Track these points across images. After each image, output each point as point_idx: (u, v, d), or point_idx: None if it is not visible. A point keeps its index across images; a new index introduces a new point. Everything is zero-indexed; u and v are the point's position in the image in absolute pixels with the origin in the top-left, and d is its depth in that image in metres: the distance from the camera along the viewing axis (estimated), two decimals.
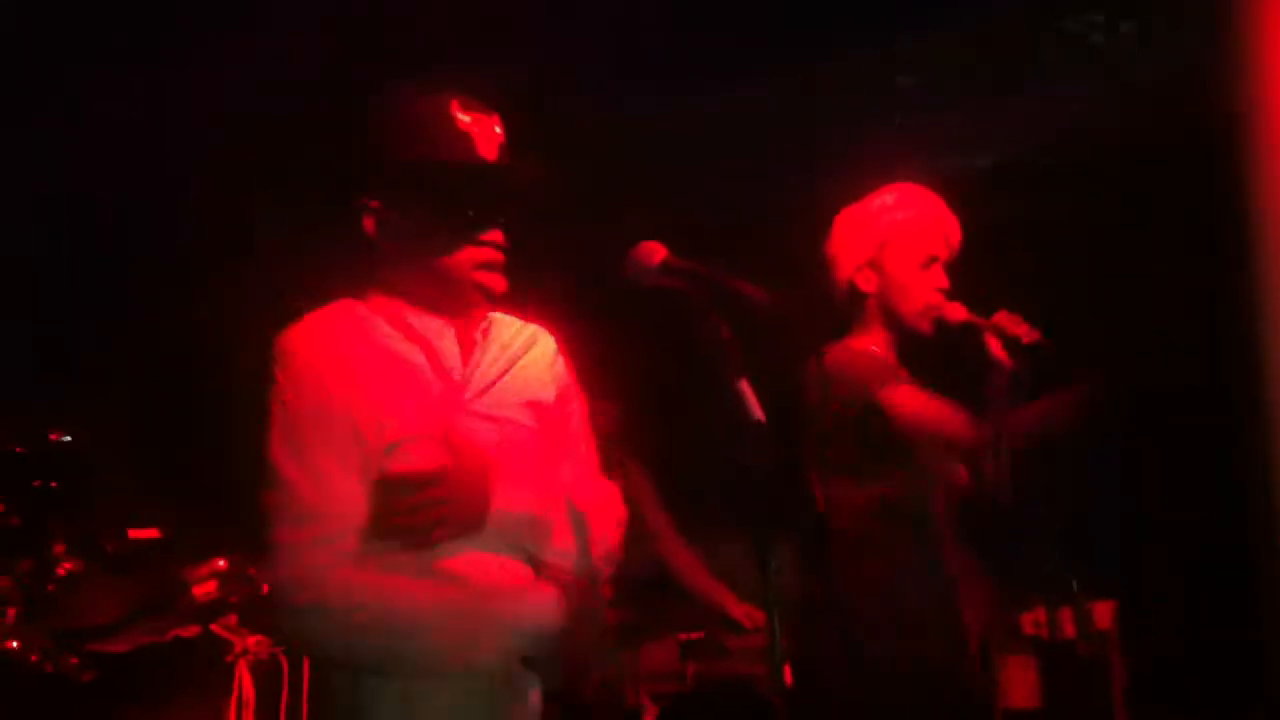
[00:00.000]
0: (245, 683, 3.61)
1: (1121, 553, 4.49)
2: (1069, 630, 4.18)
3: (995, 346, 3.03)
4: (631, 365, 4.24)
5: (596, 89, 4.68)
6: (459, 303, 2.29)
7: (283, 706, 3.59)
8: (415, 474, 2.13)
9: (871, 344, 3.08)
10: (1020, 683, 4.46)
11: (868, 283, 3.10)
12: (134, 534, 3.77)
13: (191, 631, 3.67)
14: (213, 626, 3.67)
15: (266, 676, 3.63)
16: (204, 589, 3.69)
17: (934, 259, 3.10)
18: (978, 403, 3.00)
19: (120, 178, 4.55)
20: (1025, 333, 3.01)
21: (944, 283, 3.09)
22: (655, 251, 2.26)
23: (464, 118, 2.20)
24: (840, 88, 4.91)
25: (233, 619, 3.70)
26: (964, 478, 3.12)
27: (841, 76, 4.88)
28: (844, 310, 3.15)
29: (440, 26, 4.19)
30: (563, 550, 2.23)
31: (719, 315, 2.17)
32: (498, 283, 2.28)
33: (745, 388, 2.13)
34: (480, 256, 2.25)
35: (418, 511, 2.11)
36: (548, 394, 2.37)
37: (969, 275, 3.10)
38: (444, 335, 2.29)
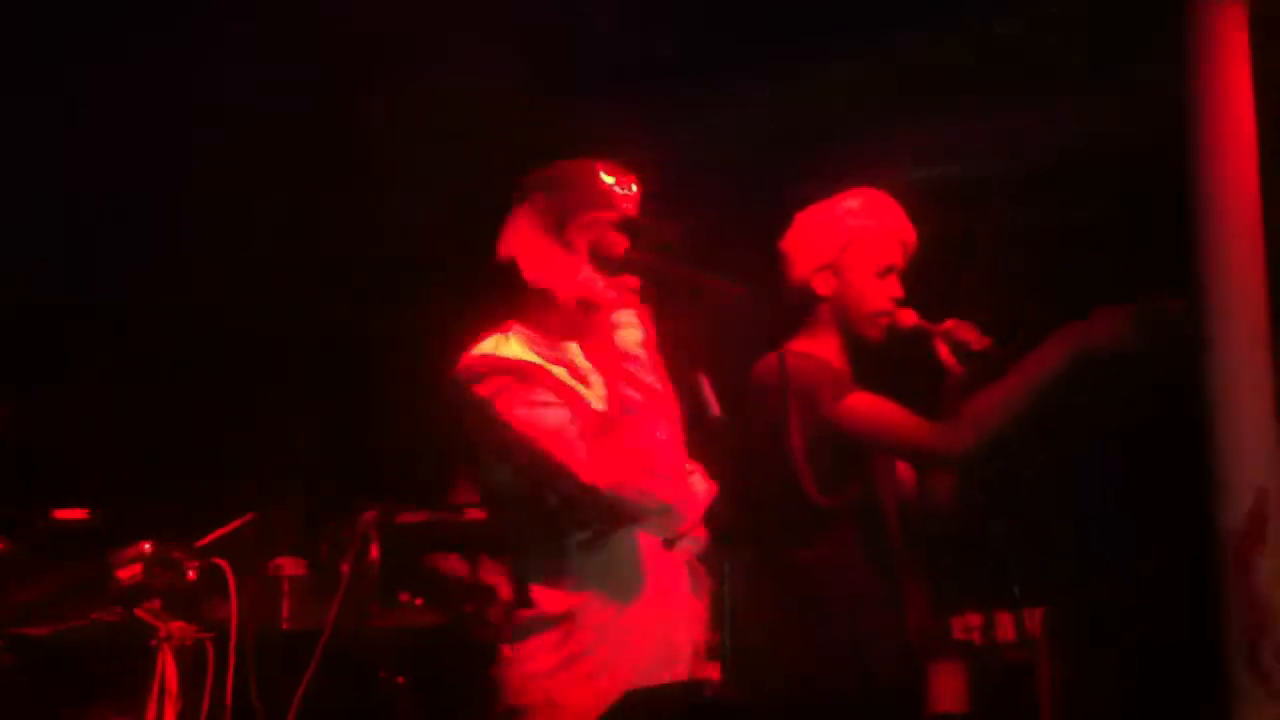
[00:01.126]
0: (169, 669, 3.53)
1: (1055, 559, 4.53)
2: (1004, 635, 4.21)
3: (945, 353, 3.04)
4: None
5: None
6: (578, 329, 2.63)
7: (207, 694, 3.52)
8: None
9: (824, 348, 3.07)
10: (948, 688, 4.48)
11: (825, 285, 3.09)
12: (59, 514, 3.69)
13: (114, 616, 3.59)
14: (136, 611, 3.58)
15: (191, 663, 3.55)
16: (128, 572, 3.61)
17: (892, 268, 3.11)
18: (930, 410, 3.01)
19: None
20: (975, 339, 3.04)
21: (899, 292, 3.10)
22: (617, 244, 2.24)
23: (608, 179, 2.56)
24: (805, 94, 4.92)
25: (157, 604, 3.62)
26: (911, 481, 3.13)
27: (807, 83, 4.89)
28: (795, 308, 3.13)
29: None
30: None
31: (680, 310, 2.15)
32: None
33: (704, 383, 2.11)
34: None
35: None
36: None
37: (924, 283, 3.11)
38: (578, 354, 2.64)
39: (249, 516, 3.79)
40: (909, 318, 3.04)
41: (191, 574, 3.74)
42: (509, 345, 2.56)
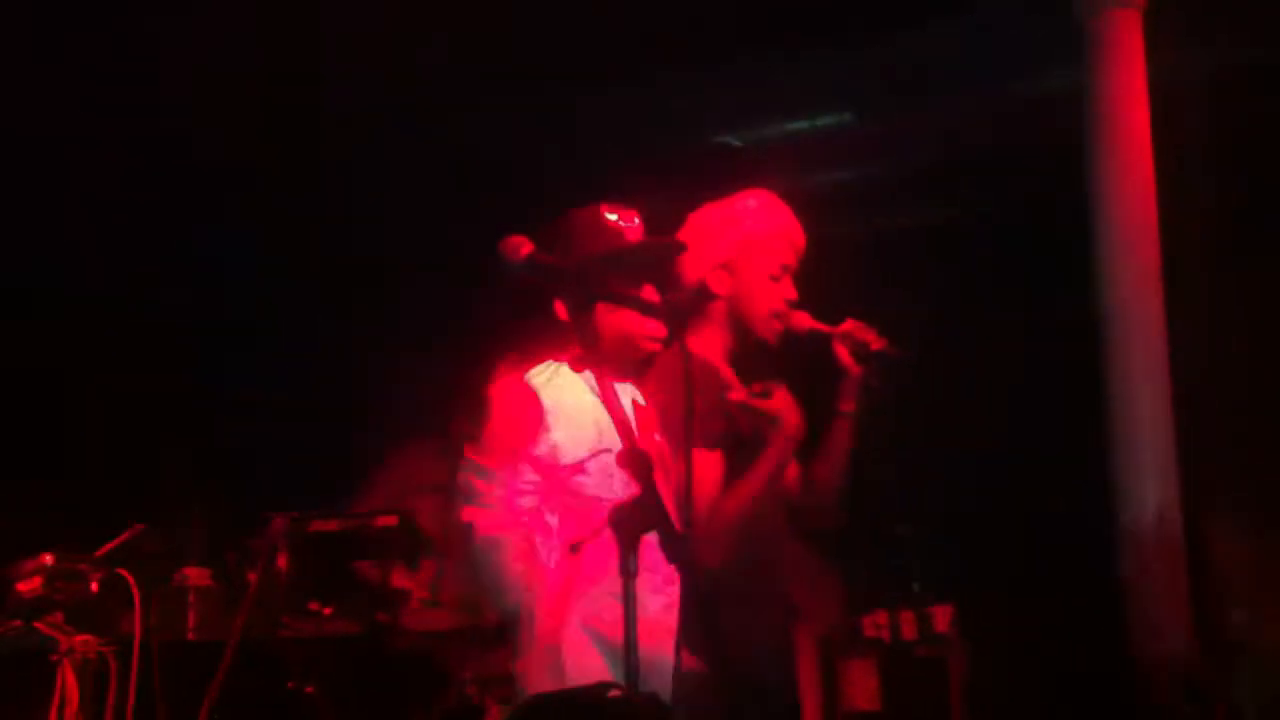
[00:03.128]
0: (69, 682, 3.46)
1: (960, 557, 4.59)
2: (909, 633, 4.26)
3: (844, 354, 3.06)
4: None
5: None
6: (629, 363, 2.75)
7: (110, 707, 3.46)
8: None
9: (711, 348, 3.07)
10: (861, 686, 4.53)
11: (720, 285, 3.07)
12: None
13: (14, 629, 3.51)
14: (37, 624, 3.51)
15: (94, 676, 3.48)
16: (29, 585, 3.55)
17: (786, 269, 3.11)
18: (824, 409, 3.04)
19: None
20: (873, 340, 3.05)
21: (793, 295, 3.10)
22: (521, 246, 2.24)
23: (610, 217, 2.70)
24: (709, 96, 4.95)
25: (59, 616, 3.55)
26: (795, 481, 3.14)
27: (711, 85, 4.92)
28: (685, 306, 3.11)
29: None
30: None
31: (584, 311, 2.16)
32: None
33: (608, 382, 2.11)
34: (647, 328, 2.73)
35: None
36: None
37: (822, 285, 3.12)
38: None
39: (138, 528, 3.74)
40: (803, 320, 3.06)
41: (94, 586, 3.67)
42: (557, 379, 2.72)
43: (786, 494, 3.09)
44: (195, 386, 5.45)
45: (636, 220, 2.71)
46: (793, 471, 3.14)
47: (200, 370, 5.47)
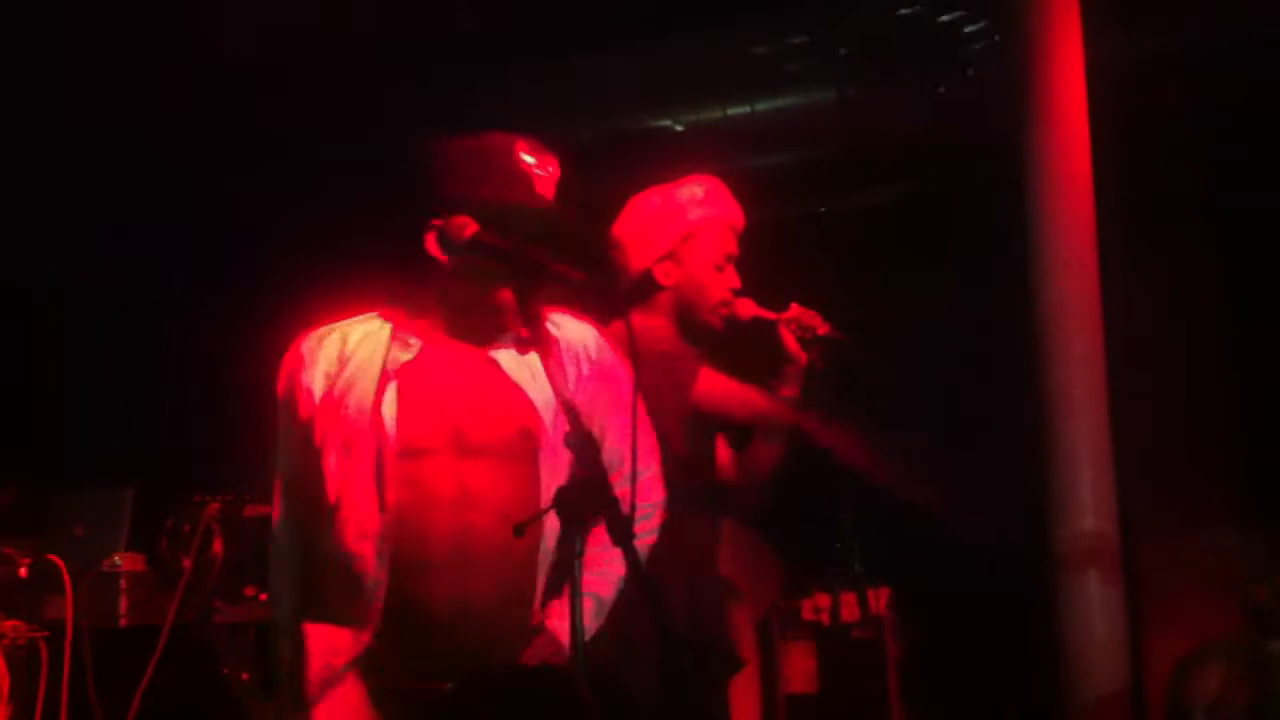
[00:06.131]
0: (0, 669, 3.40)
1: (896, 539, 4.63)
2: (850, 615, 4.28)
3: (789, 340, 3.06)
4: None
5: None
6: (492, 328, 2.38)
7: (41, 694, 3.40)
8: None
9: (660, 330, 3.06)
10: (800, 668, 4.56)
11: (666, 276, 3.06)
12: None
13: None
14: None
15: (23, 663, 3.42)
16: None
17: (730, 257, 3.10)
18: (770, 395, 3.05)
19: None
20: (818, 325, 3.06)
21: (737, 283, 3.10)
22: (465, 226, 2.21)
23: (528, 159, 2.36)
24: (642, 76, 4.93)
25: None
26: (729, 461, 3.15)
27: (647, 65, 4.90)
28: (630, 295, 3.10)
29: None
30: None
31: (528, 290, 2.14)
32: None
33: (555, 364, 2.09)
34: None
35: None
36: None
37: (764, 270, 3.13)
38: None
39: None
40: (748, 308, 3.06)
41: (23, 571, 3.62)
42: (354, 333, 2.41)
43: (716, 473, 3.09)
44: None
45: (552, 169, 2.40)
46: (725, 454, 3.15)
47: None
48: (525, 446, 2.32)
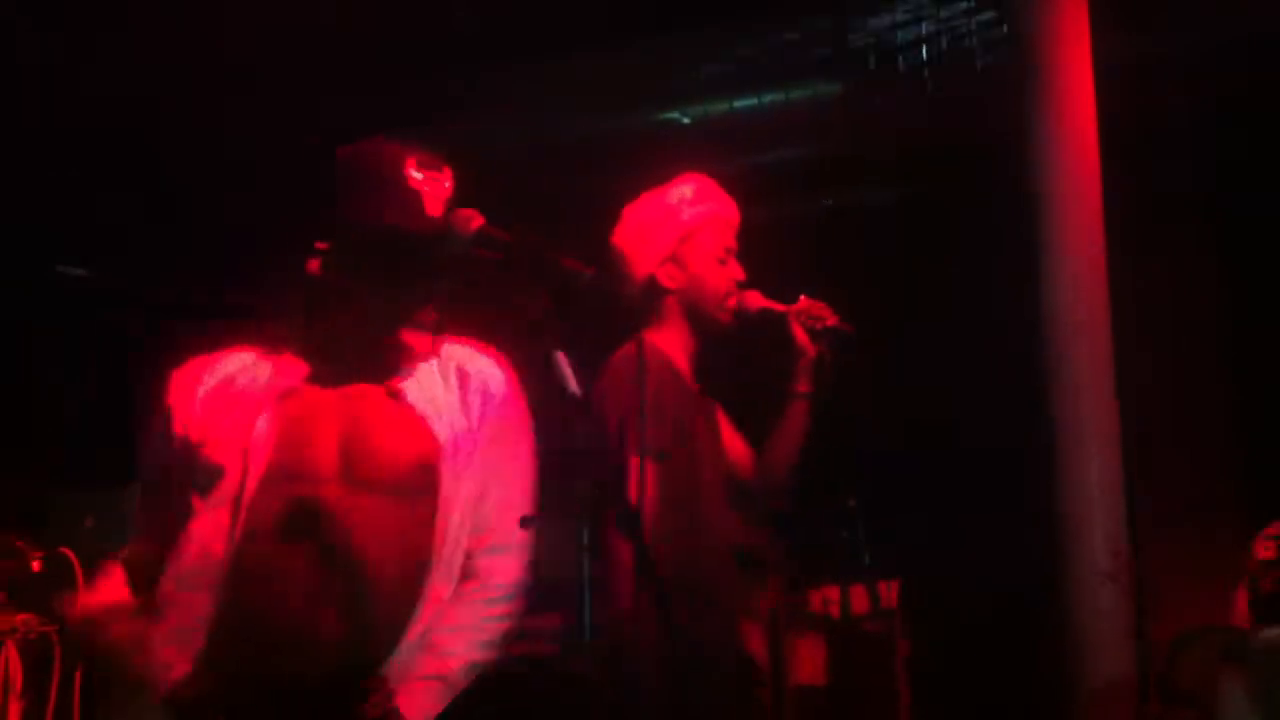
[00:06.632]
0: (13, 662, 3.43)
1: (906, 532, 4.63)
2: (860, 607, 4.27)
3: (799, 332, 3.08)
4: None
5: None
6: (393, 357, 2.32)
7: (54, 686, 3.42)
8: None
9: (673, 343, 3.07)
10: (808, 661, 4.55)
11: (671, 279, 3.06)
12: None
13: None
14: None
15: (36, 656, 3.45)
16: None
17: (730, 251, 3.11)
18: (781, 389, 3.06)
19: None
20: (827, 316, 3.07)
21: (740, 275, 3.11)
22: (471, 219, 2.21)
23: (417, 176, 2.24)
24: (642, 75, 4.93)
25: (1, 596, 3.51)
26: (745, 460, 3.17)
27: (645, 64, 4.89)
28: (637, 303, 3.11)
29: None
30: None
31: (536, 286, 2.14)
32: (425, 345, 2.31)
33: (562, 360, 2.10)
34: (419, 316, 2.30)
35: None
36: None
37: (770, 266, 3.13)
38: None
39: None
40: (755, 299, 3.07)
41: (35, 565, 3.63)
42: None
43: (731, 472, 3.10)
44: None
45: (447, 183, 2.27)
46: (742, 450, 3.15)
47: None
48: (423, 480, 2.25)
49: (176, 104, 4.67)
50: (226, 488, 2.21)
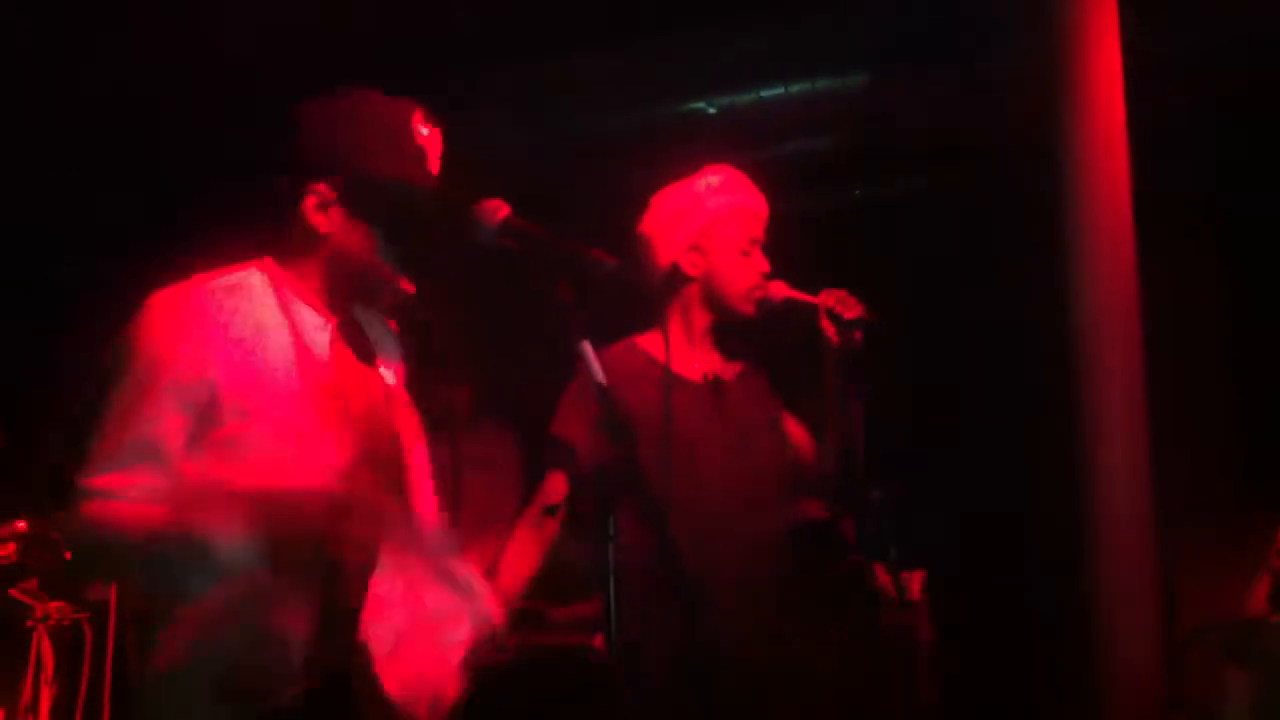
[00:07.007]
0: (44, 649, 3.47)
1: (931, 524, 4.63)
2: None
3: (826, 323, 3.07)
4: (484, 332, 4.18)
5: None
6: (363, 300, 2.26)
7: (85, 674, 3.46)
8: None
9: (676, 339, 3.07)
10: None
11: (694, 267, 3.07)
12: None
13: None
14: (12, 591, 3.51)
15: (68, 644, 3.48)
16: (3, 551, 3.54)
17: (755, 241, 3.11)
18: (810, 380, 3.06)
19: None
20: (854, 306, 3.07)
21: (766, 266, 3.11)
22: (498, 210, 2.22)
23: (423, 131, 2.21)
24: (663, 66, 4.92)
25: (33, 583, 3.54)
26: (811, 456, 3.18)
27: (665, 55, 4.88)
28: (660, 292, 3.12)
29: None
30: None
31: (561, 278, 2.14)
32: (410, 288, 2.26)
33: (588, 350, 2.11)
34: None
35: None
36: None
37: (794, 257, 3.13)
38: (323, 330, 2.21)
39: None
40: (780, 290, 3.07)
41: (69, 554, 3.67)
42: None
43: (792, 467, 3.11)
44: None
45: (440, 144, 2.24)
46: (806, 442, 3.15)
47: None
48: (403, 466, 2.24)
49: (176, 104, 4.67)
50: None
